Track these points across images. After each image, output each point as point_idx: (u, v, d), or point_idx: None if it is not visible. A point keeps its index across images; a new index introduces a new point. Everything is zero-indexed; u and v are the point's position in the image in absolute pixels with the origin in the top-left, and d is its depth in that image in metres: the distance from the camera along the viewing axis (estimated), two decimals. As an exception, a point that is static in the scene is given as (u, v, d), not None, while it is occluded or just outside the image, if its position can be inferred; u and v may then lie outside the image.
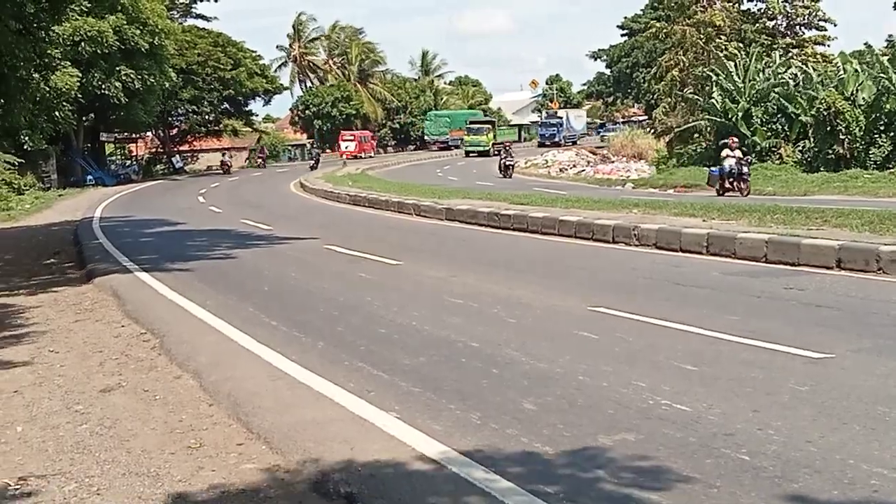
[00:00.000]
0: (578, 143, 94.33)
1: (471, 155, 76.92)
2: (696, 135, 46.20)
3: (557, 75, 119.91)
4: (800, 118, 38.86)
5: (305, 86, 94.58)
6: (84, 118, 55.68)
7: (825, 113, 36.78)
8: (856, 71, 38.33)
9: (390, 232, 21.26)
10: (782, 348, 7.82)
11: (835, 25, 53.61)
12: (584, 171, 57.80)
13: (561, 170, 57.80)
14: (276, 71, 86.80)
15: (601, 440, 5.63)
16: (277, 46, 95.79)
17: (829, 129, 36.78)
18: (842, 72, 39.88)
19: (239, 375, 7.76)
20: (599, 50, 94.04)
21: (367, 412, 6.39)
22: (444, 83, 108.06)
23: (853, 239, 12.88)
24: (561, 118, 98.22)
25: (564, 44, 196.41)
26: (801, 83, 40.83)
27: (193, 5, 71.99)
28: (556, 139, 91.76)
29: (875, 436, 5.55)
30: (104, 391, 7.60)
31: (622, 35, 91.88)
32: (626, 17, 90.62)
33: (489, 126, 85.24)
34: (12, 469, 5.72)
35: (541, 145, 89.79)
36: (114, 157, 67.36)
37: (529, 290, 11.86)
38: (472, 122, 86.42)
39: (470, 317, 10.05)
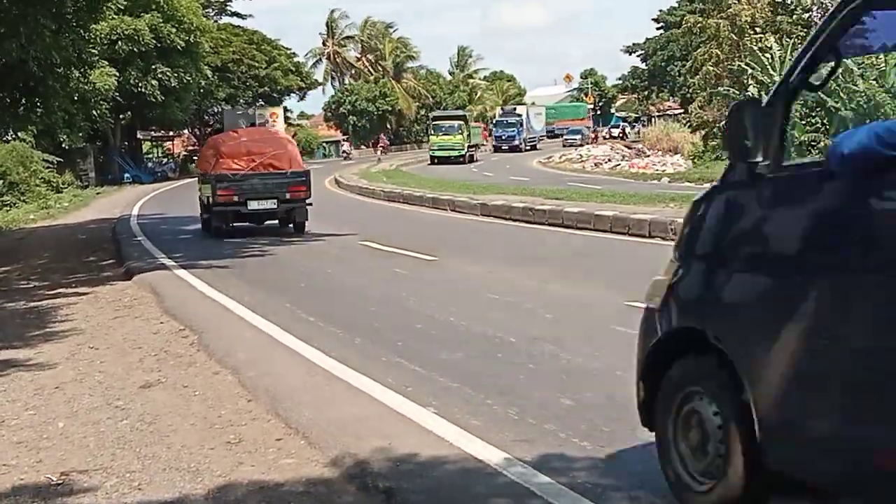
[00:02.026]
0: (539, 146, 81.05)
1: (435, 162, 59.36)
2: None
3: (592, 69, 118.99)
4: (839, 112, 38.48)
5: (340, 83, 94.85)
6: (121, 116, 56.13)
7: (865, 106, 36.40)
8: (896, 64, 37.90)
9: (426, 228, 21.30)
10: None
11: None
12: (619, 165, 57.60)
13: (596, 164, 57.70)
14: (310, 68, 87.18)
15: (640, 435, 5.60)
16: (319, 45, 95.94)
17: (869, 122, 36.40)
18: (882, 64, 39.45)
19: (277, 371, 7.80)
20: (634, 44, 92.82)
21: (405, 407, 6.40)
22: (479, 79, 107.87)
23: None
24: (521, 116, 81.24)
25: (601, 37, 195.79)
26: (840, 76, 40.42)
27: (229, 3, 72.34)
28: (516, 142, 76.31)
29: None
30: (144, 387, 7.66)
31: (657, 28, 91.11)
32: (661, 11, 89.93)
33: (461, 122, 64.22)
34: (55, 464, 5.78)
35: (496, 150, 74.67)
36: (150, 155, 67.94)
37: (565, 284, 11.84)
38: (437, 118, 66.81)
39: (506, 312, 10.05)
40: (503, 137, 76.60)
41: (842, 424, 3.77)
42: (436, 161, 59.72)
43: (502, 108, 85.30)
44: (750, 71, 42.52)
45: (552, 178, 40.58)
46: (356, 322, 9.83)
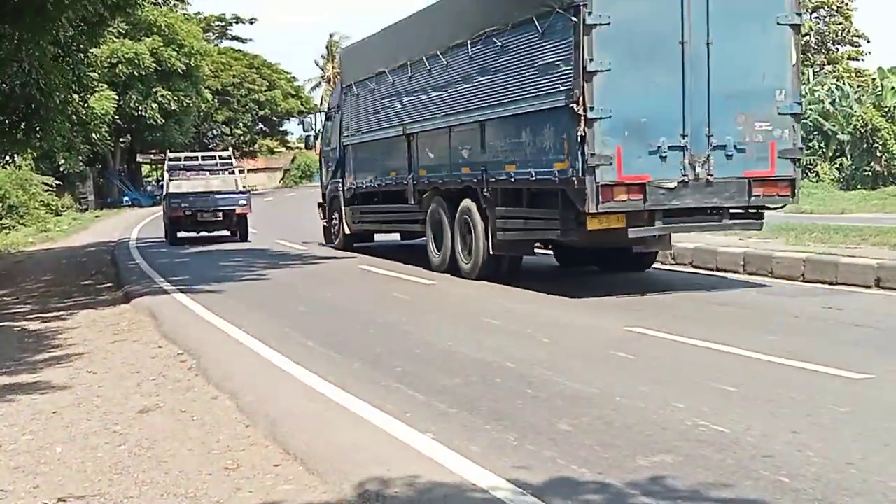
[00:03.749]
0: None
1: None
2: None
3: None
4: (837, 135, 38.61)
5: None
6: (121, 139, 56.34)
7: (862, 130, 36.53)
8: (893, 88, 38.06)
9: (424, 252, 21.25)
10: (821, 368, 7.75)
11: (868, 42, 53.21)
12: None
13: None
14: (310, 91, 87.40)
15: (639, 461, 5.60)
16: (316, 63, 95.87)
17: (866, 146, 36.51)
18: (879, 87, 39.61)
19: (275, 396, 7.78)
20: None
21: (404, 433, 6.39)
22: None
23: (892, 257, 12.77)
24: None
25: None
26: (836, 100, 40.58)
27: (229, 27, 72.71)
28: None
29: (917, 458, 5.48)
30: (142, 412, 7.65)
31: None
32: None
33: None
34: (52, 490, 5.76)
35: None
36: (150, 178, 68.05)
37: (564, 309, 11.83)
38: None
39: (504, 337, 10.04)
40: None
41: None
42: None
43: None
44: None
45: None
46: (355, 347, 9.81)
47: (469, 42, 14.56)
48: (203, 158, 30.51)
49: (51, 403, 8.10)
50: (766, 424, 6.24)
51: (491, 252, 14.27)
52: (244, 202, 26.37)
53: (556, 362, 8.54)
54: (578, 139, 11.71)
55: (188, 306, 13.39)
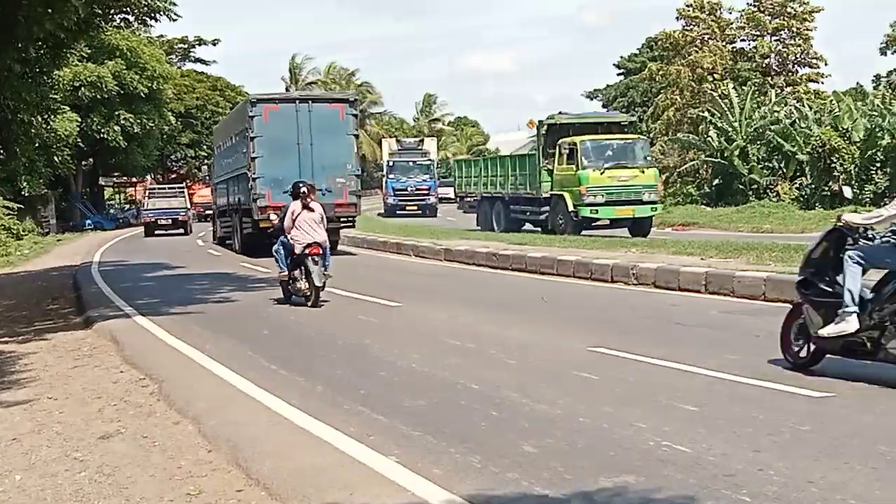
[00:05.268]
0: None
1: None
2: (692, 174, 46.33)
3: (554, 115, 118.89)
4: (796, 156, 39.03)
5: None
6: (83, 162, 55.93)
7: (820, 150, 36.98)
8: (849, 108, 38.57)
9: (389, 273, 21.29)
10: (783, 387, 7.82)
11: (825, 64, 53.80)
12: (582, 210, 57.69)
13: (559, 209, 57.73)
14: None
15: (602, 482, 5.61)
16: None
17: (824, 166, 36.94)
18: (836, 109, 40.12)
19: (238, 420, 7.73)
20: (595, 90, 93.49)
21: (367, 457, 6.36)
22: (443, 125, 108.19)
23: (851, 276, 12.88)
24: (428, 154, 58.70)
25: (564, 83, 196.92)
26: (796, 121, 41.04)
27: (192, 50, 72.50)
28: (428, 199, 54.01)
29: (876, 475, 5.54)
30: (103, 438, 7.57)
31: (618, 74, 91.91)
32: (622, 57, 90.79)
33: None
34: (11, 518, 5.69)
35: (393, 213, 52.34)
36: (113, 202, 67.58)
37: (528, 330, 11.86)
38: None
39: (469, 358, 10.04)
40: (407, 190, 54.89)
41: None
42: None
43: (399, 142, 62.10)
44: (710, 117, 43.07)
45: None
46: (318, 370, 9.78)
47: (233, 136, 29.65)
48: (169, 187, 51.60)
49: (10, 430, 8.00)
50: (727, 444, 6.28)
51: (243, 241, 28.04)
52: (184, 213, 46.31)
53: (521, 383, 8.55)
54: (251, 187, 25.89)
55: (150, 330, 13.29)
